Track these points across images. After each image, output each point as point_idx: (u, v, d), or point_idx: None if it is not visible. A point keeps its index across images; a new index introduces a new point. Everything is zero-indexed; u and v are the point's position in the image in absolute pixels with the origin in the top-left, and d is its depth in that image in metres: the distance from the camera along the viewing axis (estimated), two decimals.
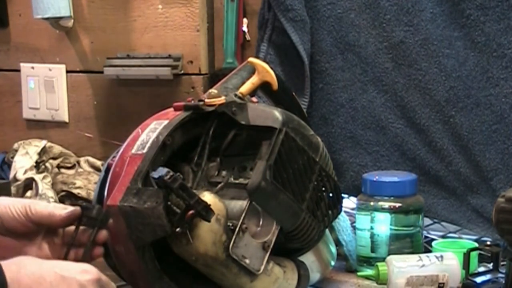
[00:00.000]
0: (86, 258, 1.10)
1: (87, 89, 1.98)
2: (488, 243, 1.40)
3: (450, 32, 1.54)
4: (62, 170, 1.85)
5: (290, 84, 1.56)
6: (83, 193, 1.73)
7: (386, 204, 1.43)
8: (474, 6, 1.51)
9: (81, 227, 1.12)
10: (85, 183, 1.76)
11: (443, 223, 1.62)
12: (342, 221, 1.49)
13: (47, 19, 1.92)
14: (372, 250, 1.44)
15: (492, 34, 1.51)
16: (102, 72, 1.91)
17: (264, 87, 1.29)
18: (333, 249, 1.41)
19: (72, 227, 1.12)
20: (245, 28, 1.76)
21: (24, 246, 1.13)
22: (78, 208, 1.11)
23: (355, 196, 1.51)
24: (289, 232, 1.17)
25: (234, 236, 1.11)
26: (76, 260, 1.09)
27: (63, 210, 1.11)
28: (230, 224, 1.11)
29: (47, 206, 1.12)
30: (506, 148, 1.52)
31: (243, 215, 1.12)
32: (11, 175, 1.81)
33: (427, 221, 1.60)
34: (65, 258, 1.11)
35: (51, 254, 1.14)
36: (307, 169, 1.17)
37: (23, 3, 2.01)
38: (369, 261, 1.44)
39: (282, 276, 1.18)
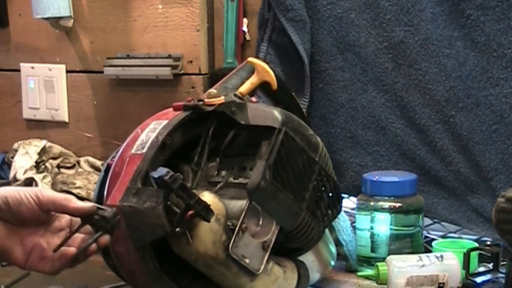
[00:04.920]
0: (83, 252, 1.08)
1: (87, 89, 1.98)
2: (488, 243, 1.41)
3: (450, 32, 1.54)
4: (62, 170, 1.85)
5: (290, 84, 1.56)
6: (83, 193, 1.73)
7: (386, 204, 1.43)
8: (474, 6, 1.51)
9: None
10: (85, 183, 1.76)
11: (443, 223, 1.62)
12: (342, 221, 1.49)
13: (47, 19, 1.92)
14: (372, 250, 1.44)
15: (492, 34, 1.51)
16: (102, 72, 1.91)
17: (263, 87, 1.29)
18: (333, 249, 1.41)
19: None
20: (245, 28, 1.76)
21: (26, 235, 1.12)
22: (94, 206, 1.09)
23: (355, 196, 1.52)
24: (289, 232, 1.17)
25: (234, 236, 1.11)
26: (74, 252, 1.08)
27: (77, 201, 1.09)
28: (230, 224, 1.11)
29: (58, 193, 1.10)
30: (506, 148, 1.52)
31: (243, 214, 1.12)
32: (11, 175, 1.82)
33: (427, 221, 1.60)
34: (62, 245, 1.09)
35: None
36: (306, 169, 1.17)
37: (23, 3, 2.01)
38: (369, 261, 1.44)
39: (282, 276, 1.18)
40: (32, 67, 2.04)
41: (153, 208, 1.06)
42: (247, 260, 1.12)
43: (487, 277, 1.35)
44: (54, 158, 1.87)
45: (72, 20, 1.95)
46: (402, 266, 1.33)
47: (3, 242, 1.10)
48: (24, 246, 1.11)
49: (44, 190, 1.11)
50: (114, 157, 1.22)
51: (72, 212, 1.10)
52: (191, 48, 1.82)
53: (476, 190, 1.55)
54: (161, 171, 1.06)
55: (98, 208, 1.09)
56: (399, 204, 1.43)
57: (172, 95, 1.83)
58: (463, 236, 1.59)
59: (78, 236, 1.10)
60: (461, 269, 1.34)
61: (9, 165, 1.87)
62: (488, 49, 1.52)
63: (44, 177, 1.77)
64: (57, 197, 1.10)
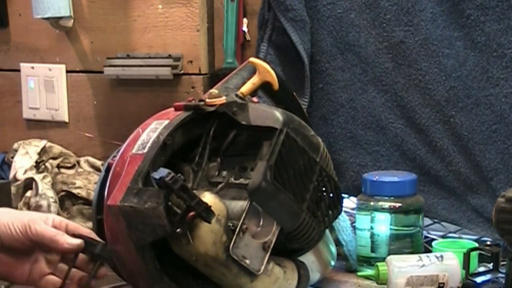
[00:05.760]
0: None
1: (87, 89, 1.98)
2: (488, 243, 1.40)
3: (450, 32, 1.54)
4: (62, 170, 1.85)
5: (290, 84, 1.55)
6: (83, 193, 1.73)
7: (386, 204, 1.43)
8: (474, 6, 1.51)
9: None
10: (85, 183, 1.76)
11: (443, 223, 1.62)
12: (342, 221, 1.49)
13: (47, 19, 1.92)
14: (372, 250, 1.44)
15: (492, 34, 1.51)
16: (102, 72, 1.91)
17: (264, 87, 1.29)
18: (333, 249, 1.41)
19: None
20: (245, 28, 1.76)
21: (20, 261, 1.13)
22: (82, 243, 1.13)
23: (355, 196, 1.52)
24: (289, 233, 1.17)
25: (234, 237, 1.10)
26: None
27: (67, 239, 1.12)
28: (231, 225, 1.11)
29: (48, 229, 1.13)
30: (506, 148, 1.52)
31: (244, 215, 1.12)
32: (11, 175, 1.81)
33: (427, 221, 1.60)
34: (64, 280, 1.13)
35: (47, 269, 1.16)
36: (307, 169, 1.17)
37: (23, 3, 2.01)
38: (369, 261, 1.44)
39: (282, 276, 1.18)
40: (32, 67, 2.04)
41: (154, 208, 1.06)
42: (247, 261, 1.12)
43: (487, 277, 1.35)
44: (54, 158, 1.87)
45: (72, 20, 1.95)
46: (402, 266, 1.33)
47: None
48: (22, 269, 1.12)
49: (34, 223, 1.12)
50: (115, 156, 1.21)
51: (61, 252, 1.13)
52: (191, 48, 1.82)
53: (476, 190, 1.55)
54: (162, 172, 1.05)
55: (87, 242, 1.12)
56: (399, 204, 1.43)
57: (172, 95, 1.83)
58: (463, 236, 1.59)
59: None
60: (461, 269, 1.34)
61: (9, 165, 1.87)
62: (488, 49, 1.52)
63: (44, 177, 1.77)
64: (46, 234, 1.12)
